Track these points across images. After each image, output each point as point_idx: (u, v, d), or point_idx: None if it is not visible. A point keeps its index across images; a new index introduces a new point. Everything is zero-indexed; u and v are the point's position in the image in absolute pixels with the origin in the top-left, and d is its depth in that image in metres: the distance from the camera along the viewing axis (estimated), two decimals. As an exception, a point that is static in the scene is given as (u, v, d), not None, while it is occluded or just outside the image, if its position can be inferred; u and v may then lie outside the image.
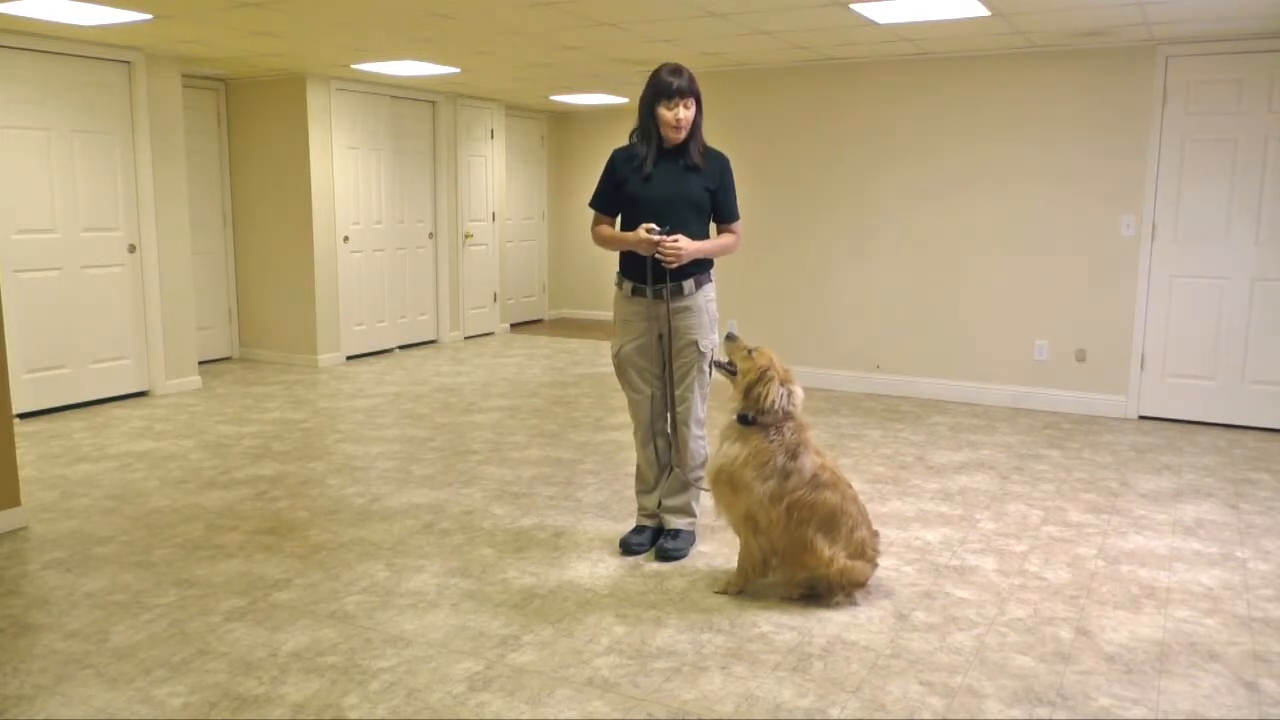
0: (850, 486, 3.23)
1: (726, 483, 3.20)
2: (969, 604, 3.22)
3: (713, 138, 7.35)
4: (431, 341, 8.91)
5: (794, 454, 3.14)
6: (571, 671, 2.74)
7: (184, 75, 7.25)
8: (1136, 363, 5.95)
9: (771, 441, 3.15)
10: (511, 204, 10.06)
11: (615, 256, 3.68)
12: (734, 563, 3.46)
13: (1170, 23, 5.08)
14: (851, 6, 4.77)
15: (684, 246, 3.38)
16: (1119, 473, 4.80)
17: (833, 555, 3.11)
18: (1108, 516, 4.13)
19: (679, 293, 3.50)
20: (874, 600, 3.24)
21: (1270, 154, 5.51)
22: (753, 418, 3.18)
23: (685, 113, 3.43)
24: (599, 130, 10.46)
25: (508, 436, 5.43)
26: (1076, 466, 4.90)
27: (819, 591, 3.19)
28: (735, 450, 3.19)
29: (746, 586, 3.29)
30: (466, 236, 9.17)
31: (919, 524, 4.01)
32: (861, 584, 3.21)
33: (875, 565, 3.25)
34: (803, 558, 3.13)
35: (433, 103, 8.66)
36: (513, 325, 10.15)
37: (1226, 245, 5.67)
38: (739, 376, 3.26)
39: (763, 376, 3.18)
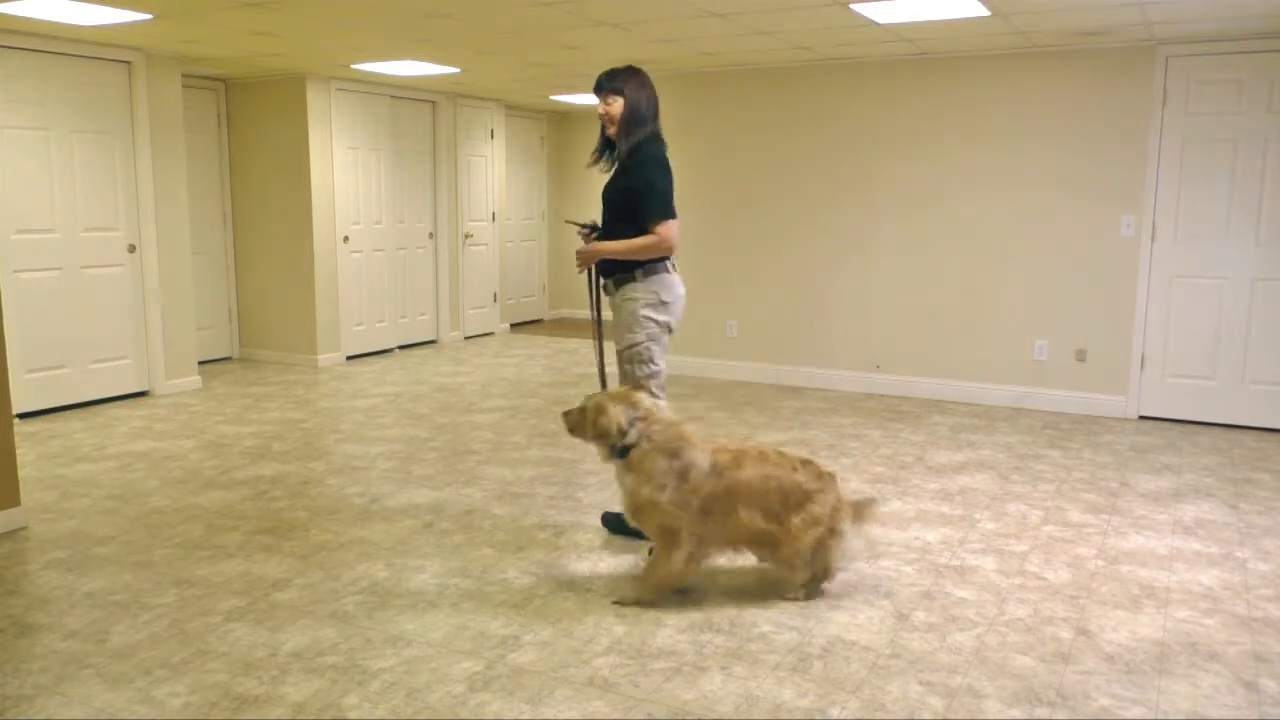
0: (782, 462, 3.16)
1: (639, 512, 3.17)
2: (969, 604, 3.22)
3: (713, 138, 7.37)
4: (431, 341, 8.91)
5: (675, 453, 3.11)
6: (571, 671, 2.74)
7: (184, 75, 7.25)
8: (1136, 363, 5.95)
9: (647, 454, 3.12)
10: (511, 204, 10.06)
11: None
12: (734, 563, 3.46)
13: (1170, 23, 5.09)
14: (851, 6, 4.77)
15: (587, 248, 3.60)
16: (1119, 473, 4.80)
17: (788, 526, 3.07)
18: (1108, 516, 4.13)
19: (608, 292, 3.67)
20: (874, 600, 3.24)
21: (1270, 154, 5.51)
22: (621, 447, 3.15)
23: (606, 108, 3.59)
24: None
25: (508, 436, 5.43)
26: (1076, 466, 4.90)
27: (817, 574, 3.19)
28: (629, 481, 3.16)
29: (656, 597, 3.19)
30: (466, 236, 9.17)
31: (919, 524, 4.01)
32: (837, 542, 3.13)
33: (859, 521, 3.21)
34: (758, 540, 3.11)
35: (433, 103, 8.66)
36: (513, 325, 10.15)
37: (1226, 245, 5.67)
38: (584, 432, 3.24)
39: (597, 409, 3.17)
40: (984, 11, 4.85)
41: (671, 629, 3.02)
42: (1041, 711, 2.54)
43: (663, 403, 3.49)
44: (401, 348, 8.58)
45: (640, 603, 3.19)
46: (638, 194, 3.52)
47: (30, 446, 5.21)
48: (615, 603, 3.20)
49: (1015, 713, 2.54)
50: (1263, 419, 5.69)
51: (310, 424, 5.74)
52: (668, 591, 3.21)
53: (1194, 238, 5.75)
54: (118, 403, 6.32)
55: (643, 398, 3.23)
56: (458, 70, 7.13)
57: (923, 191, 6.44)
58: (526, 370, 7.57)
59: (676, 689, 2.65)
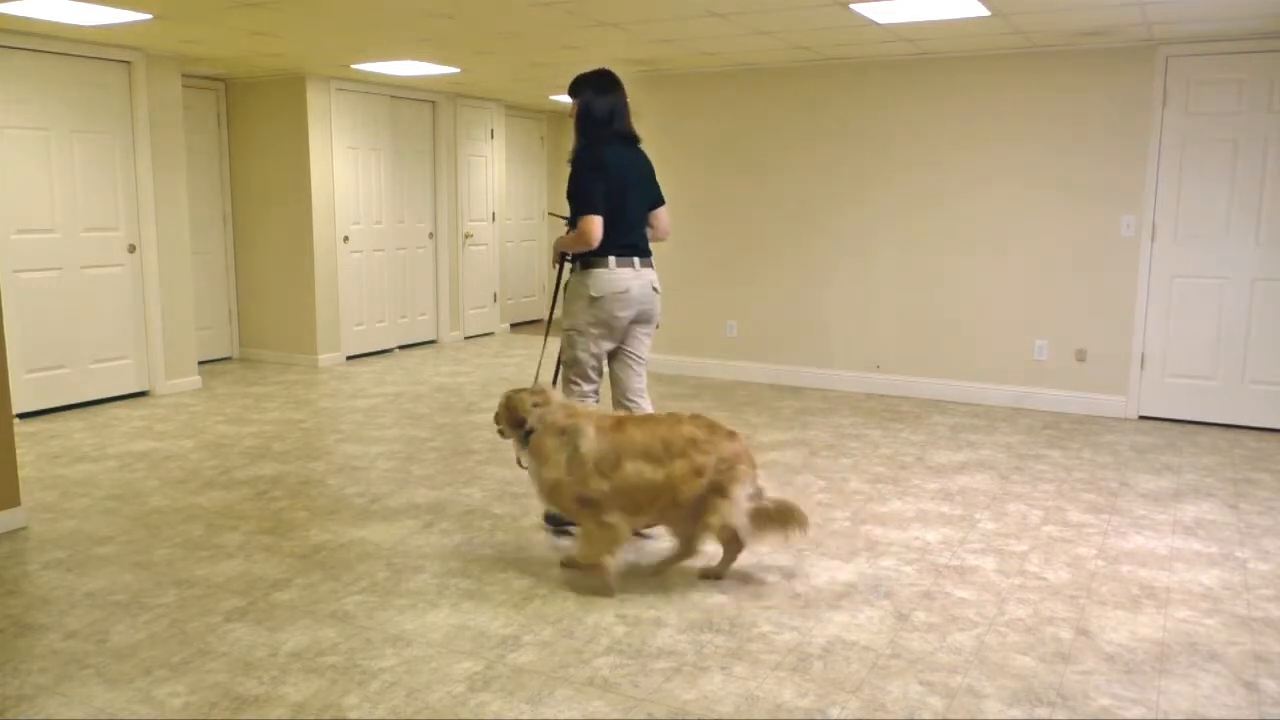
0: (669, 419, 3.28)
1: (551, 495, 3.31)
2: (969, 604, 3.22)
3: (713, 138, 7.36)
4: (431, 341, 8.91)
5: (564, 429, 3.28)
6: (571, 671, 2.74)
7: (184, 75, 7.25)
8: (1136, 363, 5.95)
9: (541, 435, 3.32)
10: (511, 204, 10.07)
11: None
12: (734, 564, 3.46)
13: (1170, 23, 5.09)
14: (851, 6, 4.77)
15: (556, 240, 3.86)
16: (1119, 473, 4.80)
17: (669, 471, 3.16)
18: (1108, 516, 4.13)
19: None
20: (874, 600, 3.24)
21: (1270, 154, 5.51)
22: (525, 433, 3.36)
23: (571, 111, 3.86)
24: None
25: (508, 436, 5.43)
26: (1076, 466, 4.90)
27: (691, 542, 3.29)
28: (533, 465, 3.33)
29: (600, 563, 3.26)
30: (466, 236, 9.17)
31: (919, 524, 4.01)
32: (722, 505, 3.18)
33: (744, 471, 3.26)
34: (651, 493, 3.19)
35: (433, 103, 8.66)
36: (513, 325, 10.15)
37: (1226, 245, 5.67)
38: (502, 425, 3.48)
39: (505, 401, 3.43)
40: (984, 11, 4.85)
41: (671, 629, 3.02)
42: (1041, 711, 2.54)
43: (588, 390, 3.77)
44: (401, 348, 8.58)
45: (584, 569, 3.31)
46: (570, 191, 3.75)
47: (30, 446, 5.21)
48: (563, 565, 3.43)
49: (1015, 713, 2.54)
50: (1263, 419, 5.69)
51: (310, 424, 5.74)
52: (612, 557, 3.25)
53: (1194, 238, 5.75)
54: (118, 403, 6.32)
55: (545, 385, 3.45)
56: (458, 70, 7.13)
57: (923, 191, 6.44)
58: (527, 370, 7.56)
59: (676, 689, 2.65)
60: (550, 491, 3.30)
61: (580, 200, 3.67)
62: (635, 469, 3.18)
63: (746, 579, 3.41)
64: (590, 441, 3.23)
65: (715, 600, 3.23)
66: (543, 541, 3.78)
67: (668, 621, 3.07)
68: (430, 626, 3.03)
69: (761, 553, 3.63)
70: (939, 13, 4.91)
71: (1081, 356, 6.09)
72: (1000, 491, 4.48)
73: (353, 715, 2.51)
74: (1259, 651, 2.90)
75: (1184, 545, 3.79)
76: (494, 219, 9.58)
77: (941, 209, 6.40)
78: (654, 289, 3.82)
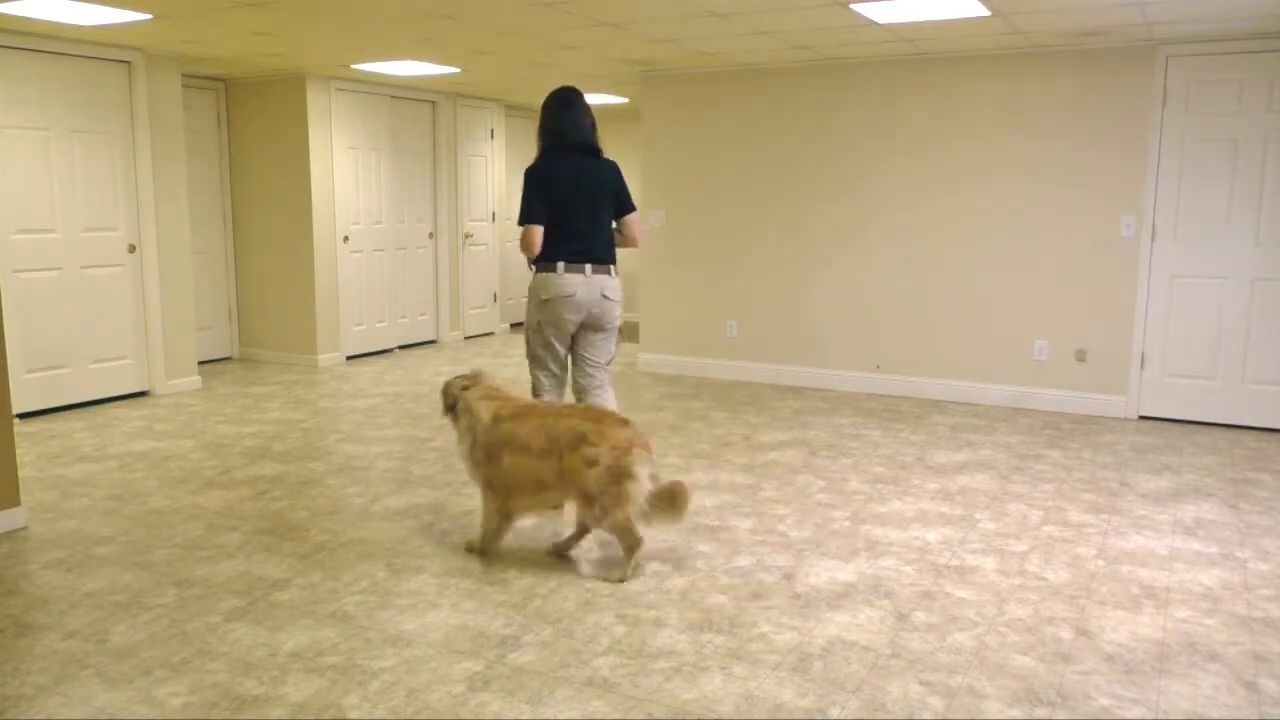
0: (560, 411, 3.42)
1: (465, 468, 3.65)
2: (969, 604, 3.22)
3: (713, 138, 7.37)
4: (431, 341, 8.91)
5: (471, 411, 3.52)
6: (571, 671, 2.74)
7: (184, 75, 7.25)
8: (1136, 363, 5.95)
9: (459, 414, 3.58)
10: (511, 204, 10.06)
11: (619, 255, 4.22)
12: (734, 564, 3.46)
13: (1170, 23, 5.09)
14: (851, 6, 4.77)
15: None
16: (1119, 473, 4.80)
17: (564, 466, 3.29)
18: (1108, 516, 4.13)
19: None
20: (874, 600, 3.24)
21: (1270, 154, 5.51)
22: (457, 408, 3.64)
23: None
24: (599, 130, 10.44)
25: (508, 436, 5.42)
26: (1076, 466, 4.90)
27: (622, 535, 3.33)
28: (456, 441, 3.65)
29: (488, 547, 3.58)
30: (466, 236, 9.17)
31: (919, 524, 4.01)
32: (628, 486, 3.24)
33: (642, 459, 3.31)
34: (539, 484, 3.36)
35: (433, 103, 8.66)
36: (512, 325, 10.16)
37: (1226, 245, 5.67)
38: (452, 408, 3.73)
39: (442, 389, 3.70)
40: (984, 11, 4.85)
41: (671, 629, 3.02)
42: (1041, 711, 2.54)
43: (548, 384, 4.03)
44: (401, 348, 8.58)
45: (479, 551, 3.59)
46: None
47: (30, 446, 5.21)
48: (466, 549, 3.63)
49: (1015, 713, 2.54)
50: (1263, 419, 5.69)
51: (310, 424, 5.74)
52: (495, 539, 3.56)
53: (1194, 238, 5.75)
54: (118, 403, 6.32)
55: (480, 370, 3.70)
56: (458, 70, 7.13)
57: (923, 192, 6.44)
58: (526, 370, 7.56)
59: (676, 689, 2.65)
60: (466, 466, 3.57)
61: (522, 210, 3.93)
62: (512, 461, 3.38)
63: (747, 579, 3.41)
64: (484, 429, 3.46)
65: (715, 600, 3.24)
66: (544, 541, 3.78)
67: (668, 621, 3.07)
68: (430, 626, 3.03)
69: (761, 552, 3.64)
70: (939, 13, 4.92)
71: (1081, 356, 6.09)
72: (1000, 491, 4.48)
73: (353, 715, 2.51)
74: (1259, 651, 2.90)
75: (1184, 545, 3.79)
76: (494, 219, 9.58)
77: (941, 209, 6.40)
78: (604, 296, 3.97)
